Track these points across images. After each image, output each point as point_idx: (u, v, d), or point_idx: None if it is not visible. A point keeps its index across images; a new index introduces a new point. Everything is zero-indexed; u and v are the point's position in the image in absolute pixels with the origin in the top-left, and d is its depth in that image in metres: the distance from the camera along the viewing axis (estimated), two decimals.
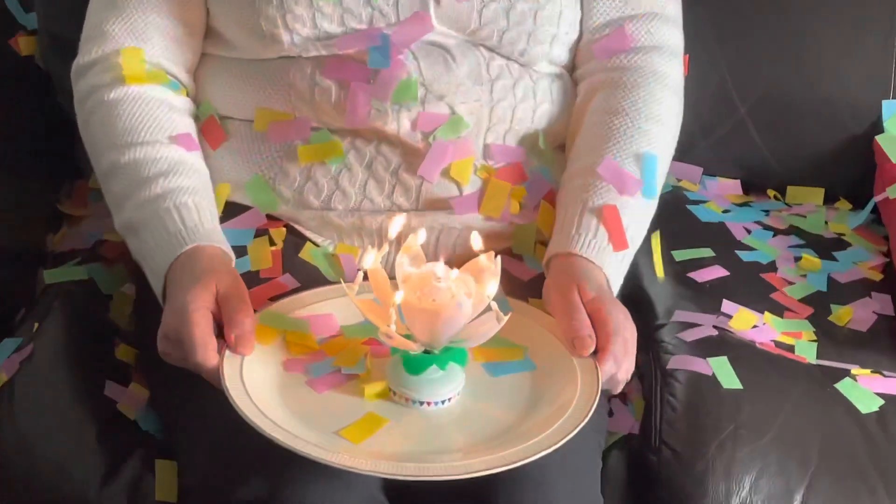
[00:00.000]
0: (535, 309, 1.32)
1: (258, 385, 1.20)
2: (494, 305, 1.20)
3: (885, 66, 1.74)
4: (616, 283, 1.37)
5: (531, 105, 1.44)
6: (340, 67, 1.38)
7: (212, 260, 1.29)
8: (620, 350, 1.26)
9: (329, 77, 1.39)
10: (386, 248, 1.34)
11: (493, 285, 1.20)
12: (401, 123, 1.38)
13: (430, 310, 1.18)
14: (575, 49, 1.49)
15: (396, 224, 1.27)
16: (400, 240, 1.31)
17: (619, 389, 1.31)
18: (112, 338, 1.43)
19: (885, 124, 1.71)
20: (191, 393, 1.26)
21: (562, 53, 1.47)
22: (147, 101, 1.40)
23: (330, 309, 1.29)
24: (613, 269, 1.36)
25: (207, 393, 1.21)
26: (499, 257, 1.23)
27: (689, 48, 1.62)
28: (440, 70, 1.38)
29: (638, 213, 1.40)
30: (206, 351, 1.21)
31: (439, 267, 1.21)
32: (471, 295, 1.19)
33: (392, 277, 1.24)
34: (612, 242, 1.35)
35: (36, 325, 1.42)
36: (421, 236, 1.26)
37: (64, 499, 1.30)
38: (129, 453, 1.32)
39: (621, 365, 1.28)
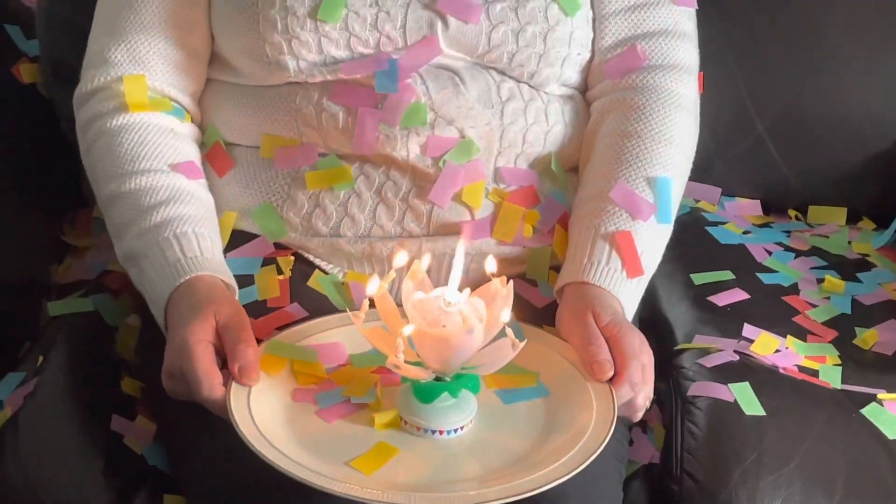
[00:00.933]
0: (549, 335, 1.32)
1: (267, 416, 1.20)
2: (510, 332, 1.19)
3: None
4: (630, 310, 1.37)
5: (543, 127, 1.44)
6: (348, 92, 1.39)
7: (210, 290, 1.29)
8: (637, 374, 1.26)
9: (336, 102, 1.39)
10: (392, 274, 1.31)
11: (505, 311, 1.19)
12: (410, 148, 1.38)
13: (440, 336, 1.18)
14: (587, 70, 1.49)
15: (400, 258, 1.27)
16: (406, 266, 1.31)
17: (638, 417, 1.31)
18: (117, 370, 1.43)
19: None
20: (198, 426, 1.26)
21: (573, 75, 1.48)
22: (149, 129, 1.41)
23: (338, 337, 1.29)
24: (628, 296, 1.36)
25: (215, 426, 1.21)
26: (511, 282, 1.22)
27: (704, 65, 1.61)
28: (449, 93, 1.39)
29: (652, 239, 1.39)
30: (211, 385, 1.21)
31: (450, 291, 1.21)
32: (482, 320, 1.18)
33: (399, 304, 1.24)
34: (626, 269, 1.35)
35: (40, 358, 1.42)
36: (425, 261, 1.26)
37: None
38: (136, 489, 1.32)
39: (639, 390, 1.27)
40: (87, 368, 1.43)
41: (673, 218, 1.43)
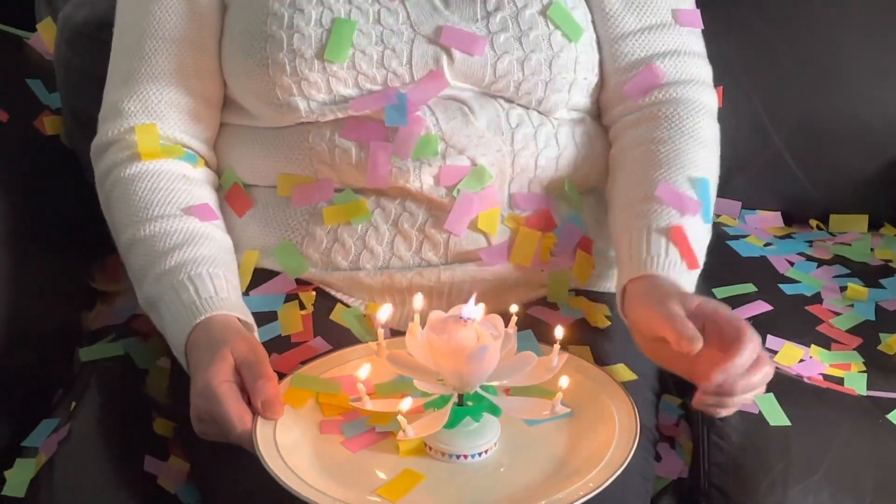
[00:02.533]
0: (572, 356, 1.31)
1: (293, 448, 1.21)
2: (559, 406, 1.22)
3: None
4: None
5: (554, 152, 1.44)
6: (359, 128, 1.40)
7: (225, 329, 1.30)
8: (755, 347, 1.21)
9: (348, 138, 1.40)
10: (417, 299, 1.32)
11: (563, 378, 1.23)
12: (423, 179, 1.39)
13: (453, 349, 1.19)
14: (596, 93, 1.49)
15: (384, 313, 1.30)
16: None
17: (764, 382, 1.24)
18: (149, 412, 1.44)
19: None
20: (231, 464, 1.27)
21: (582, 99, 1.47)
22: (161, 176, 1.42)
23: (368, 370, 1.28)
24: (688, 288, 1.33)
25: (248, 463, 1.21)
26: (565, 354, 1.27)
27: (719, 81, 1.61)
28: (459, 123, 1.40)
29: (700, 234, 1.38)
30: (243, 424, 1.22)
31: (466, 309, 1.22)
32: (498, 336, 1.20)
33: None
34: (685, 261, 1.33)
35: (73, 404, 1.43)
36: (417, 301, 1.29)
37: None
38: None
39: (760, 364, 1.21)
40: (120, 411, 1.43)
41: (711, 219, 1.42)
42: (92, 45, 1.59)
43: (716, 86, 1.57)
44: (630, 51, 1.49)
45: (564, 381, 1.23)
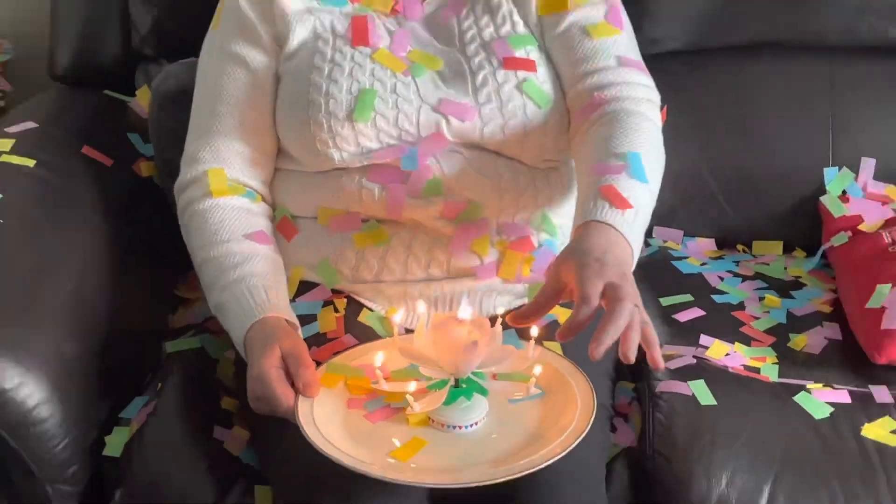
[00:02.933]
0: (545, 349, 1.31)
1: (326, 420, 1.21)
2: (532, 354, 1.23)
3: (825, 143, 1.73)
4: (634, 239, 1.23)
5: (533, 192, 1.41)
6: (380, 173, 1.39)
7: (275, 327, 1.30)
8: (590, 290, 1.13)
9: (372, 181, 1.39)
10: (420, 305, 1.35)
11: (537, 367, 1.23)
12: (430, 213, 1.38)
13: (452, 345, 1.20)
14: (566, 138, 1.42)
15: (398, 316, 1.32)
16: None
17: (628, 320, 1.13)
18: (218, 392, 1.44)
19: (827, 187, 1.71)
20: (279, 433, 1.27)
21: (554, 153, 1.42)
22: (227, 209, 1.42)
23: (383, 357, 1.28)
24: (624, 225, 1.22)
25: (292, 432, 1.21)
26: (538, 347, 1.26)
27: (668, 139, 1.54)
28: (458, 170, 1.39)
29: (631, 187, 1.25)
30: (288, 401, 1.23)
31: (462, 311, 1.24)
32: (486, 334, 1.21)
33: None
34: (613, 204, 1.23)
35: (159, 385, 1.44)
36: (421, 308, 1.32)
37: None
38: (234, 482, 1.34)
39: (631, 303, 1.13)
40: (196, 391, 1.44)
41: (649, 180, 1.29)
42: (176, 107, 1.58)
43: (667, 144, 1.48)
44: (577, 94, 1.41)
45: (537, 369, 1.24)
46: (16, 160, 1.54)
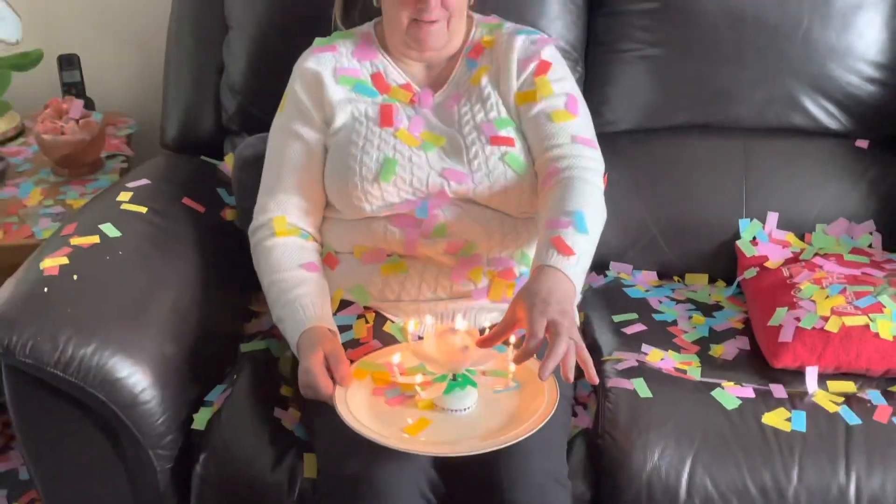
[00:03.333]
0: None
1: (356, 405, 1.24)
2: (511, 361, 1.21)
3: (740, 200, 1.70)
4: (576, 278, 1.23)
5: (514, 236, 1.42)
6: (401, 220, 1.40)
7: (320, 334, 1.31)
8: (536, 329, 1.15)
9: (394, 226, 1.40)
10: (428, 318, 1.36)
11: (512, 365, 1.22)
12: (438, 250, 1.40)
13: (450, 349, 1.22)
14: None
15: (412, 326, 1.30)
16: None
17: (565, 361, 1.15)
18: (279, 382, 1.44)
19: (741, 234, 1.68)
20: (322, 413, 1.28)
21: (530, 206, 1.42)
22: (287, 246, 1.42)
23: (400, 357, 1.30)
24: (568, 268, 1.23)
25: (331, 413, 1.23)
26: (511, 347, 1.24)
27: (617, 194, 1.60)
28: (459, 218, 1.40)
29: (575, 238, 1.26)
30: (328, 389, 1.25)
31: (458, 323, 1.27)
32: (473, 340, 1.23)
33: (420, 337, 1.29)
34: (559, 251, 1.24)
35: (235, 376, 1.44)
36: (429, 320, 1.33)
37: (252, 476, 1.32)
38: (288, 449, 1.34)
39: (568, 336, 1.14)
40: (262, 381, 1.43)
41: (590, 231, 1.28)
42: (252, 169, 1.57)
43: (616, 198, 1.54)
44: (541, 165, 1.40)
45: (512, 367, 1.24)
46: (133, 208, 1.54)
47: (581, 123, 1.44)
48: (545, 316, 1.17)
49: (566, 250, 1.24)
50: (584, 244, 1.28)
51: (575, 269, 1.25)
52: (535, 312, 1.17)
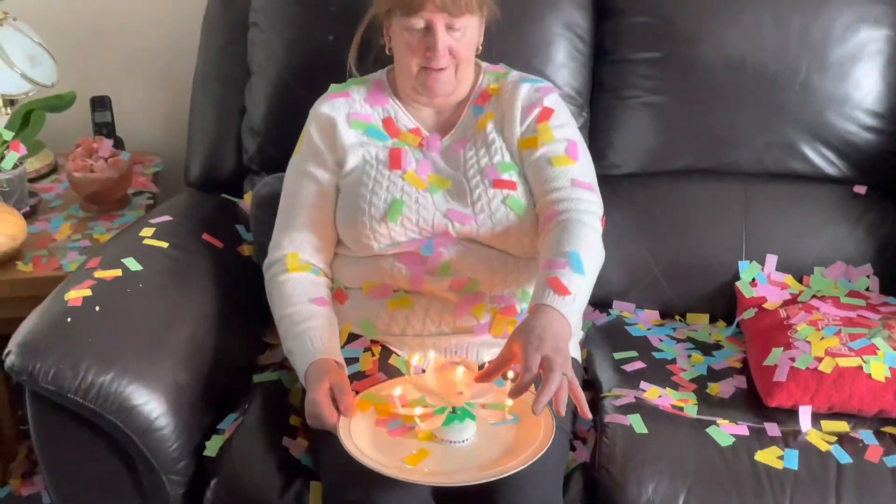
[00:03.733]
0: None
1: (360, 434, 1.26)
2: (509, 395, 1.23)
3: (739, 243, 1.71)
4: (571, 317, 1.26)
5: (516, 275, 1.44)
6: (407, 258, 1.43)
7: (327, 367, 1.33)
8: (531, 364, 1.19)
9: (401, 263, 1.42)
10: (431, 353, 1.37)
11: (508, 400, 1.24)
12: (442, 286, 1.42)
13: (449, 382, 1.25)
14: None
15: (415, 360, 1.32)
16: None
17: (558, 399, 1.18)
18: (288, 412, 1.44)
19: (741, 275, 1.69)
20: (327, 442, 1.30)
21: (531, 246, 1.44)
22: (298, 281, 1.44)
23: (401, 390, 1.31)
24: (563, 307, 1.26)
25: (336, 443, 1.25)
26: (509, 381, 1.26)
27: (621, 234, 1.63)
28: (462, 256, 1.42)
29: (572, 278, 1.29)
30: (333, 419, 1.27)
31: (460, 370, 1.29)
32: (470, 379, 1.26)
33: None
34: (556, 291, 1.26)
35: (247, 405, 1.46)
36: (432, 355, 1.34)
37: (260, 502, 1.33)
38: (295, 477, 1.35)
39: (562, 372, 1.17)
40: (272, 411, 1.44)
41: (586, 273, 1.31)
42: (269, 207, 1.60)
43: (621, 240, 1.56)
44: (542, 207, 1.43)
45: (510, 402, 1.25)
46: (154, 242, 1.56)
47: (581, 168, 1.46)
48: (539, 352, 1.19)
49: (562, 290, 1.27)
50: (580, 284, 1.30)
51: (571, 308, 1.27)
52: (530, 348, 1.20)
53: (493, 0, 1.48)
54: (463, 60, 1.45)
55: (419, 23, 1.41)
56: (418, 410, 1.27)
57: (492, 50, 1.60)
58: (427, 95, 1.49)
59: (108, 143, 1.90)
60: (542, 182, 1.45)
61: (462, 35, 1.42)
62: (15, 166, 1.80)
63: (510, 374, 1.28)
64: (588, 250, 1.34)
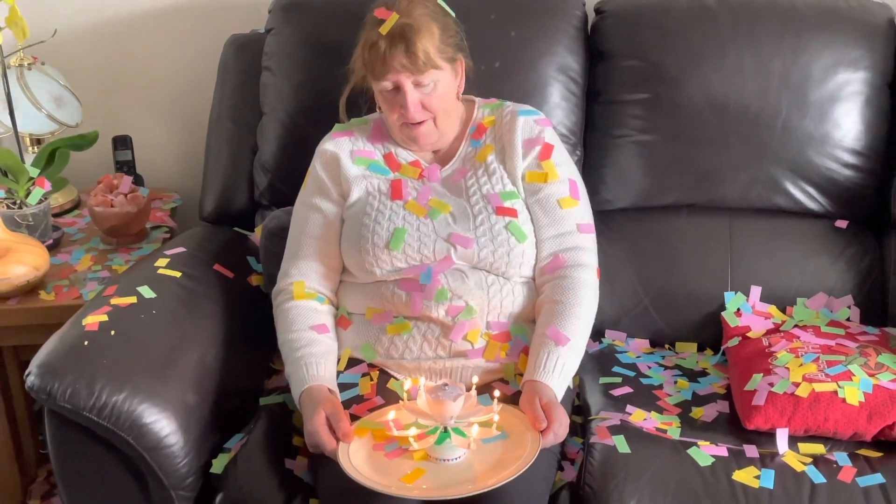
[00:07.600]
0: (510, 406, 1.36)
1: (358, 457, 1.30)
2: (496, 409, 1.28)
3: (725, 275, 1.74)
4: (560, 393, 1.38)
5: (511, 300, 1.48)
6: (407, 285, 1.46)
7: (320, 395, 1.37)
8: (557, 427, 1.33)
9: (401, 289, 1.46)
10: (421, 379, 1.39)
11: (495, 415, 1.30)
12: (439, 312, 1.44)
13: (440, 404, 1.28)
14: (534, 268, 1.51)
15: (408, 384, 1.35)
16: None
17: (558, 441, 1.34)
18: (291, 433, 1.47)
19: (727, 306, 1.72)
20: (326, 464, 1.34)
21: (528, 271, 1.50)
22: (301, 308, 1.48)
23: (397, 415, 1.35)
24: (557, 386, 1.39)
25: (333, 464, 1.30)
26: (474, 390, 1.33)
27: (612, 266, 1.67)
28: (459, 282, 1.45)
29: (568, 354, 1.40)
30: (332, 446, 1.31)
31: (452, 388, 1.32)
32: (462, 395, 1.29)
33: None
34: (552, 371, 1.37)
35: (252, 426, 1.49)
36: (422, 381, 1.35)
37: None
38: (297, 494, 1.38)
39: (557, 433, 1.32)
40: (276, 432, 1.47)
41: (581, 349, 1.43)
42: (278, 239, 1.64)
43: (611, 271, 1.61)
44: (548, 246, 1.49)
45: (496, 418, 1.29)
46: (168, 272, 1.60)
47: (582, 210, 1.52)
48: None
49: (565, 378, 1.40)
50: (574, 357, 1.42)
51: (562, 385, 1.41)
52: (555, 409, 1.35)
53: (457, 49, 1.48)
54: (439, 112, 1.48)
55: (388, 84, 1.45)
56: (412, 431, 1.30)
57: (490, 92, 1.67)
58: (414, 146, 1.55)
59: (128, 179, 1.96)
60: (550, 221, 1.50)
61: (433, 89, 1.45)
62: (40, 201, 1.86)
63: (496, 394, 1.32)
64: (587, 318, 1.46)
